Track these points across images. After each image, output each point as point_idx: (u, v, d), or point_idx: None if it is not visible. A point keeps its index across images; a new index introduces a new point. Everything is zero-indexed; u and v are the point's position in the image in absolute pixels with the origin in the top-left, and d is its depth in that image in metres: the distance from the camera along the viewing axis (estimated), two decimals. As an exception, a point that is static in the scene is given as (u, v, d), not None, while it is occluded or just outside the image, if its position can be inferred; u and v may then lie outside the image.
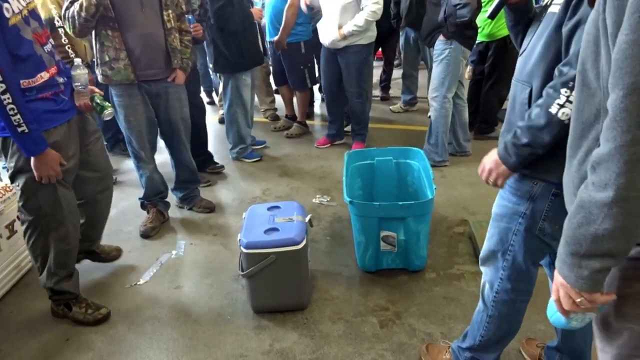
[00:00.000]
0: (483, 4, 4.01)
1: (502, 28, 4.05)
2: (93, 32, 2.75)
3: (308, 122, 5.09)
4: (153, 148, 3.12)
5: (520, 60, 1.45)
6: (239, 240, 2.27)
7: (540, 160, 1.38)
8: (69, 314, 2.34)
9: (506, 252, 1.57)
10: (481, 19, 4.08)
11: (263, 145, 4.62)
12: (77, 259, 2.55)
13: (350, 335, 2.19)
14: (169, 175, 3.44)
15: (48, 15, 3.08)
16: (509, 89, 4.85)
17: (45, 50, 2.05)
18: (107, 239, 3.07)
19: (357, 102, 4.19)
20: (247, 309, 2.38)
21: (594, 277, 0.92)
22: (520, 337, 2.03)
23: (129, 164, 3.23)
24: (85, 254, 2.70)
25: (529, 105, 1.38)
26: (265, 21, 4.55)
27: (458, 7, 3.37)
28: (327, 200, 3.47)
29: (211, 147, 4.12)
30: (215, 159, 4.07)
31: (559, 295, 0.99)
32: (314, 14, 4.33)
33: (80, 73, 2.20)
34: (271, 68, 5.12)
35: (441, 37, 3.57)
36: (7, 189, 2.62)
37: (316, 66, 4.77)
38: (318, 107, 5.84)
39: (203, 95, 5.12)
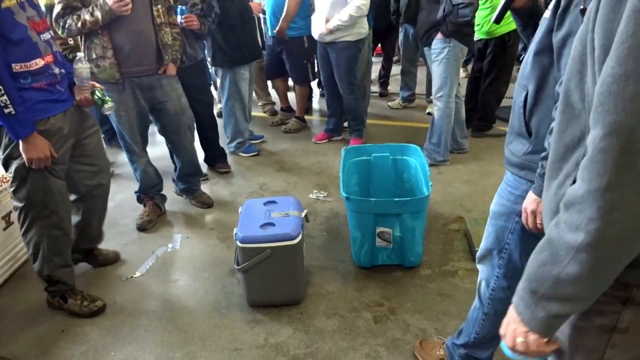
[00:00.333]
0: (482, 2, 4.03)
1: (501, 26, 4.04)
2: None
3: (306, 117, 5.09)
4: (145, 141, 3.10)
5: (522, 64, 1.46)
6: (235, 234, 2.27)
7: (535, 163, 1.39)
8: (64, 305, 2.35)
9: (502, 250, 1.58)
10: (480, 16, 4.08)
11: (261, 140, 4.62)
12: (75, 259, 2.56)
13: (344, 330, 2.20)
14: (165, 169, 3.45)
15: (49, 1, 3.06)
16: (507, 87, 4.87)
17: (42, 38, 2.05)
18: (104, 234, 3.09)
19: (350, 98, 4.19)
20: (242, 303, 2.39)
21: (549, 321, 0.87)
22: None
23: (125, 156, 3.22)
24: (83, 256, 2.69)
25: (524, 109, 1.38)
26: (267, 15, 4.53)
27: (460, 6, 3.36)
28: (324, 196, 3.47)
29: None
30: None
31: (507, 330, 0.95)
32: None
33: (82, 67, 2.19)
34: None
35: (439, 36, 3.56)
36: (4, 180, 2.62)
37: (316, 61, 4.77)
38: (316, 102, 5.84)
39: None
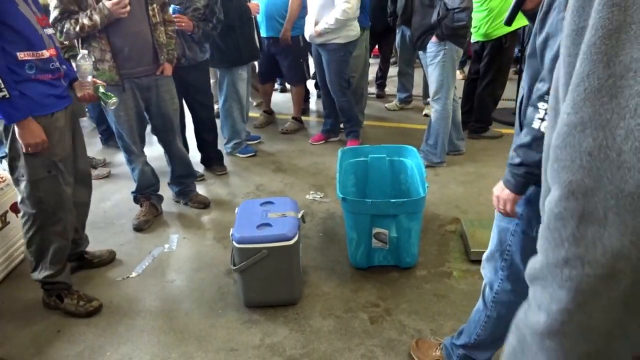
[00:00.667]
0: (478, 4, 4.04)
1: (497, 28, 4.07)
2: None
3: (303, 118, 5.11)
4: (143, 141, 3.12)
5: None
6: (232, 234, 2.28)
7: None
8: (60, 305, 2.35)
9: (504, 253, 1.59)
10: (477, 19, 4.10)
11: (258, 141, 4.62)
12: (70, 268, 2.56)
13: (340, 331, 2.21)
14: (161, 169, 3.45)
15: (44, 2, 3.08)
16: (503, 89, 4.90)
17: (45, 32, 2.09)
18: (100, 232, 3.09)
19: (342, 100, 4.20)
20: (238, 303, 2.40)
21: None
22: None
23: (122, 157, 3.22)
24: (77, 263, 2.69)
25: (520, 109, 1.40)
26: (260, 16, 4.54)
27: (456, 10, 3.38)
28: (321, 197, 3.48)
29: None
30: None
31: None
32: None
33: (85, 64, 2.23)
34: (257, 64, 5.12)
35: (434, 39, 3.56)
36: (0, 180, 2.62)
37: (310, 61, 4.81)
38: (313, 103, 5.85)
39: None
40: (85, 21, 2.59)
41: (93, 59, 2.70)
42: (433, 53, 3.60)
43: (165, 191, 3.44)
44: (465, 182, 3.62)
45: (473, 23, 4.03)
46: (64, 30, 2.63)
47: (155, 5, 2.82)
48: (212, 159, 3.97)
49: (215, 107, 4.63)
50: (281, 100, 5.72)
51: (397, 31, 5.33)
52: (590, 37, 0.56)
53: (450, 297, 2.40)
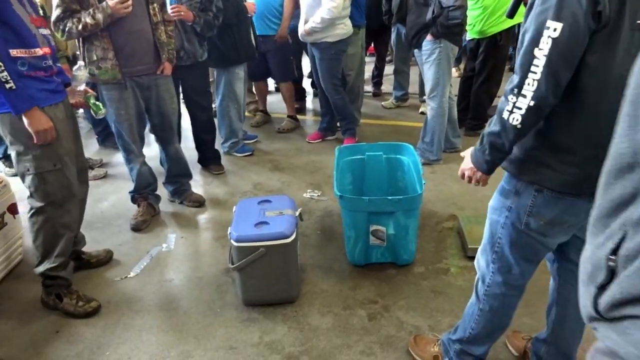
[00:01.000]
0: (473, 2, 4.05)
1: (493, 25, 4.08)
2: None
3: (300, 117, 5.11)
4: (142, 141, 3.12)
5: None
6: (229, 233, 2.28)
7: (518, 162, 1.44)
8: (59, 304, 2.35)
9: (495, 245, 1.61)
10: (472, 16, 4.11)
11: (254, 140, 4.62)
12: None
13: (338, 328, 2.22)
14: (159, 169, 3.45)
15: (41, 2, 3.09)
16: (499, 86, 4.93)
17: (40, 32, 2.13)
18: (98, 232, 3.09)
19: (336, 98, 4.21)
20: (237, 302, 2.40)
21: None
22: (507, 330, 2.06)
23: (120, 157, 3.23)
24: (76, 263, 2.66)
25: None
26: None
27: (450, 9, 3.38)
28: (318, 195, 3.49)
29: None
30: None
31: None
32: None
33: (81, 74, 2.38)
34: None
35: (429, 37, 3.57)
36: (-2, 181, 2.63)
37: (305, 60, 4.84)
38: (310, 102, 5.86)
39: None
40: (88, 20, 2.60)
41: (95, 58, 2.72)
42: (428, 51, 3.61)
43: (163, 191, 3.44)
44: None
45: (468, 21, 4.05)
46: (66, 29, 2.64)
47: (155, 5, 2.83)
48: (209, 158, 3.97)
49: (213, 106, 4.65)
50: (276, 99, 5.72)
51: (392, 29, 5.34)
52: None
53: (447, 294, 2.41)
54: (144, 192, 3.21)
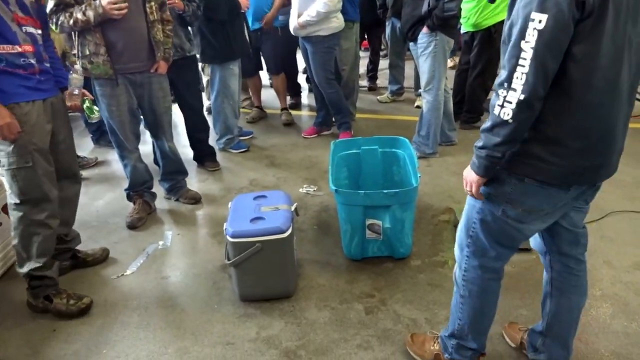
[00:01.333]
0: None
1: (487, 18, 4.07)
2: None
3: (295, 112, 5.11)
4: (137, 138, 3.11)
5: None
6: (225, 229, 2.28)
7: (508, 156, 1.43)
8: (50, 306, 2.33)
9: (469, 229, 1.63)
10: (466, 9, 4.10)
11: (250, 136, 4.62)
12: (63, 267, 2.58)
13: (336, 322, 2.22)
14: (155, 167, 3.45)
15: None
16: (494, 79, 4.93)
17: (23, 30, 2.13)
18: (94, 231, 3.09)
19: (329, 92, 4.21)
20: (233, 298, 2.40)
21: None
22: (503, 322, 2.07)
23: (115, 155, 3.22)
24: (71, 262, 2.67)
25: None
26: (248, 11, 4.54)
27: (446, 1, 3.38)
28: (314, 190, 3.48)
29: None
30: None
31: None
32: None
33: (76, 77, 2.41)
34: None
35: (425, 30, 3.57)
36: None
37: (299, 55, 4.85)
38: (305, 97, 5.84)
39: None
40: (79, 16, 2.60)
41: (87, 52, 2.72)
42: (424, 44, 3.60)
43: (159, 188, 3.43)
44: (457, 172, 3.63)
45: (462, 14, 4.04)
46: (59, 22, 2.64)
47: (153, 3, 2.81)
48: (204, 155, 3.96)
49: (207, 103, 4.64)
50: (271, 95, 5.71)
51: (387, 23, 5.33)
52: None
53: (444, 286, 2.41)
54: (139, 189, 3.20)
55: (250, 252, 2.22)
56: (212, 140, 4.25)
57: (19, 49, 2.10)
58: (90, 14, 2.59)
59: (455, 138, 4.12)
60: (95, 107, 2.58)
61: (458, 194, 3.30)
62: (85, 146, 4.54)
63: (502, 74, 1.30)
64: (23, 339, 2.23)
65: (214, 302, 2.40)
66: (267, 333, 2.17)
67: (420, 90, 4.06)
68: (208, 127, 3.96)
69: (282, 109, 5.01)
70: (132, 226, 3.10)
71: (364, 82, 5.94)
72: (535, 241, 1.79)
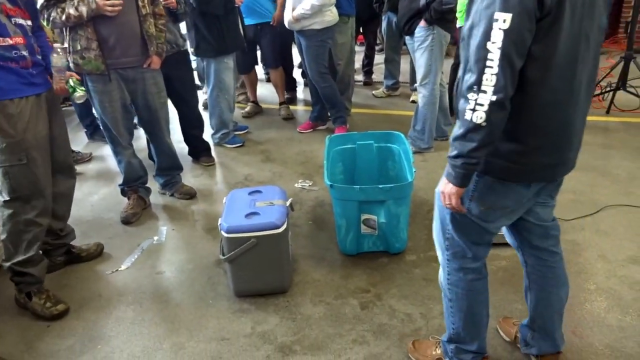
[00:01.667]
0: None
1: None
2: None
3: (291, 107, 5.10)
4: (130, 134, 3.08)
5: None
6: (220, 224, 2.27)
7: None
8: (28, 304, 2.31)
9: (445, 231, 1.63)
10: (462, 3, 4.08)
11: (245, 131, 4.60)
12: (58, 263, 2.58)
13: (331, 317, 2.22)
14: (150, 161, 3.43)
15: None
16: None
17: (13, 21, 2.09)
18: (88, 226, 3.07)
19: (323, 87, 4.20)
20: (228, 293, 2.40)
21: None
22: (498, 316, 2.08)
23: (109, 150, 3.20)
24: (65, 257, 2.66)
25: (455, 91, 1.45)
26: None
27: None
28: (310, 185, 3.48)
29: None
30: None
31: None
32: None
33: (56, 57, 2.22)
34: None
35: (422, 24, 3.55)
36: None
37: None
38: (301, 92, 5.83)
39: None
40: (71, 11, 2.57)
41: (79, 47, 2.68)
42: (422, 38, 3.59)
43: (153, 183, 3.42)
44: (453, 167, 3.63)
45: (458, 7, 4.02)
46: (50, 17, 2.60)
47: None
48: (199, 150, 3.95)
49: (202, 99, 4.63)
50: (267, 90, 5.69)
51: (383, 18, 5.31)
52: None
53: (439, 275, 2.41)
54: (133, 184, 3.19)
55: (245, 247, 2.22)
56: (207, 135, 4.23)
57: (10, 42, 2.07)
58: (83, 9, 2.56)
59: (450, 133, 4.11)
60: (82, 87, 2.39)
61: (453, 189, 3.29)
62: (79, 141, 4.51)
63: (470, 77, 1.28)
64: (18, 335, 2.22)
65: (209, 298, 2.39)
66: (262, 328, 2.17)
67: (415, 85, 4.05)
68: (203, 123, 3.95)
69: (280, 104, 5.00)
70: (126, 221, 3.08)
71: (359, 77, 5.93)
72: (507, 237, 1.80)
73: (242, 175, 3.72)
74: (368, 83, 5.99)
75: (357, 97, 5.27)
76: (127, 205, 3.17)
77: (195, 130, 3.87)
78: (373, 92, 5.62)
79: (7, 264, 2.27)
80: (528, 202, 1.54)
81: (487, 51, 1.23)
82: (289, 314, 2.25)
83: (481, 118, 1.27)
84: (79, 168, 3.87)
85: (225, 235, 2.23)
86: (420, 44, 3.61)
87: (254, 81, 5.11)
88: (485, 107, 1.26)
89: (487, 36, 1.23)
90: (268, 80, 6.21)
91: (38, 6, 2.59)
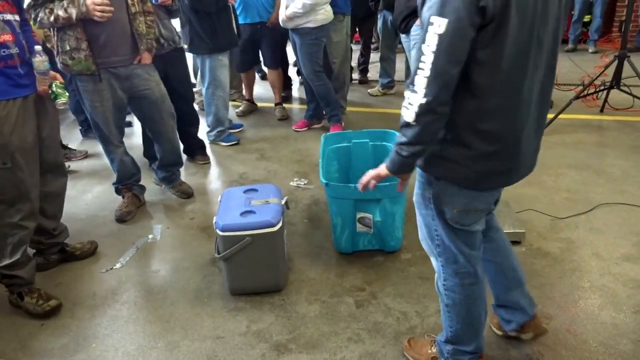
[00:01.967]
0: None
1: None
2: None
3: (286, 105, 5.10)
4: (121, 132, 3.07)
5: None
6: (215, 222, 2.27)
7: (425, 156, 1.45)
8: (21, 303, 2.29)
9: (434, 238, 1.62)
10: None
11: (240, 129, 4.60)
12: (52, 260, 2.57)
13: (326, 316, 2.22)
14: (142, 159, 3.42)
15: None
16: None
17: (0, 17, 2.04)
18: (82, 224, 3.06)
19: (317, 85, 4.19)
20: (223, 292, 2.39)
21: None
22: (489, 313, 2.07)
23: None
24: (59, 256, 2.64)
25: None
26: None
27: None
28: (305, 183, 3.48)
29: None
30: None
31: None
32: None
33: (39, 60, 2.16)
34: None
35: (418, 22, 3.55)
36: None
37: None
38: (296, 90, 5.82)
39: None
40: (60, 12, 2.53)
41: (68, 48, 2.64)
42: (418, 36, 3.59)
43: (148, 181, 3.41)
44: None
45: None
46: (38, 18, 2.56)
47: None
48: (194, 149, 3.94)
49: (198, 97, 4.61)
50: (262, 89, 5.68)
51: (378, 16, 5.31)
52: None
53: (434, 280, 2.41)
54: (127, 183, 3.17)
55: (240, 245, 2.21)
56: (202, 133, 4.22)
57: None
58: (73, 11, 2.52)
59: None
60: (65, 93, 2.28)
61: (448, 187, 3.30)
62: (74, 137, 4.49)
63: (411, 75, 1.29)
64: (11, 333, 2.21)
65: (204, 296, 2.39)
66: (258, 327, 2.17)
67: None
68: (199, 121, 3.93)
69: (276, 104, 4.98)
70: (121, 220, 3.07)
71: (355, 75, 5.92)
72: None
73: (237, 174, 3.71)
74: (364, 81, 6.00)
75: (353, 95, 5.27)
76: (122, 203, 3.15)
77: (191, 127, 3.86)
78: (368, 90, 5.62)
79: None
80: (495, 203, 1.60)
81: (421, 53, 1.23)
82: (284, 312, 2.25)
83: (411, 117, 1.29)
84: (73, 166, 3.87)
85: (221, 233, 2.23)
86: (416, 42, 3.61)
87: (251, 80, 5.09)
88: (415, 108, 1.27)
89: (423, 38, 1.23)
90: (262, 78, 6.21)
91: (25, 5, 2.55)
